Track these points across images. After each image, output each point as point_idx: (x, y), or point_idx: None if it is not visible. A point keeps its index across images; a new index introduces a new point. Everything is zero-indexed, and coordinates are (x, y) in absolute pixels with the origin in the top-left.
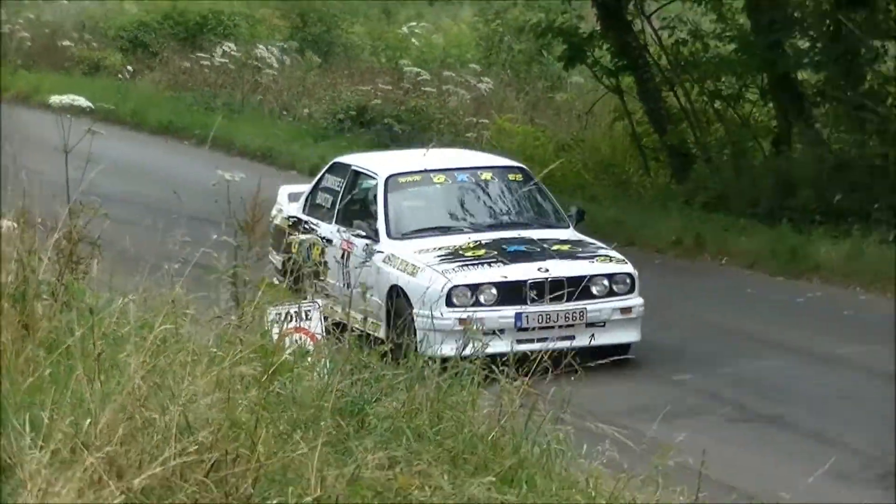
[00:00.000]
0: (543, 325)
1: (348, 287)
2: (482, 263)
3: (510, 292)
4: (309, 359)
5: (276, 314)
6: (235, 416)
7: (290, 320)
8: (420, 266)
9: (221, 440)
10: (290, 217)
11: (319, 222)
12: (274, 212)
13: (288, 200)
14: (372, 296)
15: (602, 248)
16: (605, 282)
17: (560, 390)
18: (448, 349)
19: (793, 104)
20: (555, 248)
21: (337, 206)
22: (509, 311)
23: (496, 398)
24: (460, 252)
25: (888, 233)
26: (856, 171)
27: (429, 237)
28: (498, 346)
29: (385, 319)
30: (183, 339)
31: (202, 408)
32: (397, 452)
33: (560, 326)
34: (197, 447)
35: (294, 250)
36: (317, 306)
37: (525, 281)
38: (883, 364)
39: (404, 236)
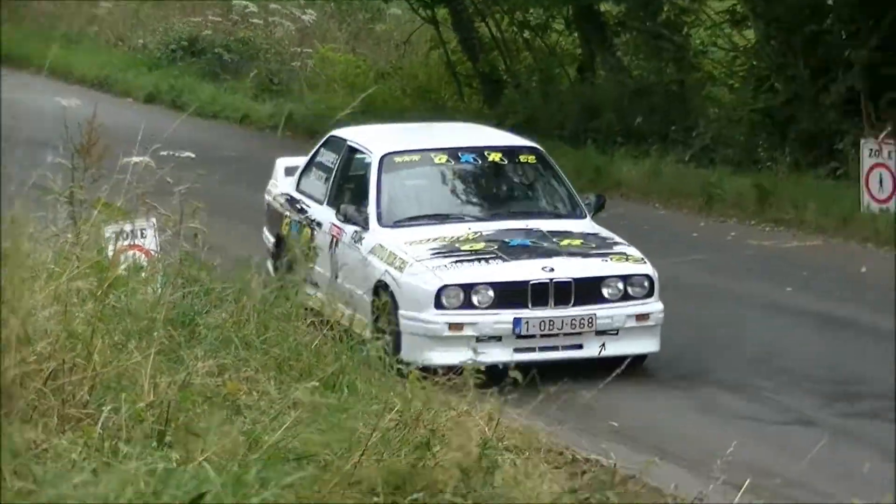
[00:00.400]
0: (546, 332)
1: (336, 278)
2: (479, 259)
3: (509, 294)
4: (143, 274)
5: (112, 232)
6: (72, 328)
7: (126, 238)
8: (408, 260)
9: (59, 350)
10: (283, 194)
11: (311, 202)
12: (269, 186)
13: (284, 174)
14: (358, 290)
15: (619, 243)
16: (620, 284)
17: None
18: (436, 356)
19: (596, 34)
20: (564, 242)
21: (330, 186)
22: (507, 316)
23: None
24: (457, 245)
25: (684, 153)
26: (654, 97)
27: (424, 226)
28: (494, 355)
29: (371, 318)
30: (22, 256)
31: (41, 320)
32: (226, 360)
33: (566, 334)
34: (35, 357)
35: (284, 232)
36: (151, 224)
37: (527, 281)
38: (672, 273)
39: (396, 224)
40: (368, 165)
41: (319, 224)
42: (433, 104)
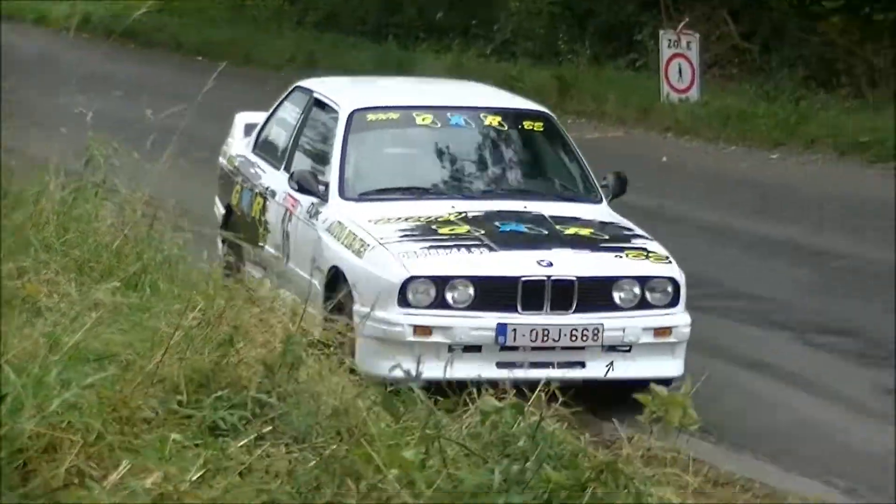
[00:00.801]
0: (539, 344)
1: (287, 261)
2: (458, 247)
3: (494, 293)
4: None
5: None
6: None
7: None
8: (370, 242)
9: None
10: (238, 156)
11: (267, 167)
12: (224, 146)
13: (243, 132)
14: (310, 277)
15: (640, 236)
16: (636, 288)
17: None
18: (393, 366)
19: None
20: (570, 231)
21: (289, 147)
22: (490, 321)
23: (119, 209)
24: (433, 227)
25: (485, 47)
26: None
27: (396, 201)
28: (470, 369)
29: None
30: None
31: None
32: (25, 263)
33: (564, 348)
34: None
35: (234, 202)
36: None
37: (517, 278)
38: None
39: (362, 197)
40: (335, 123)
41: (273, 193)
42: (232, 2)
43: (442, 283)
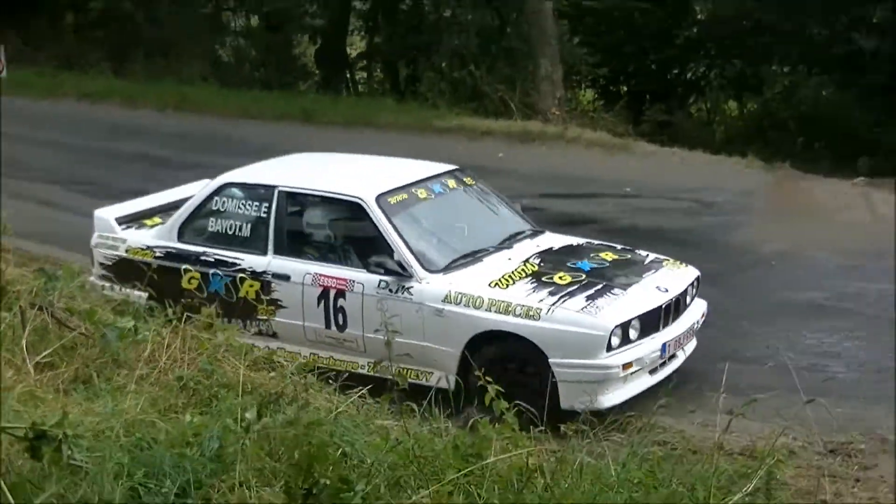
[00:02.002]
0: (675, 349)
1: (340, 328)
2: (601, 293)
3: (649, 322)
4: None
5: None
6: None
7: None
8: (539, 306)
9: None
10: (151, 247)
11: (232, 253)
12: (98, 239)
13: (119, 226)
14: (435, 344)
15: (633, 249)
16: (694, 289)
17: None
18: (608, 399)
19: None
20: (606, 257)
21: (270, 235)
22: (657, 343)
23: None
24: (544, 280)
25: None
26: None
27: (472, 265)
28: (642, 383)
29: (457, 367)
30: None
31: None
32: None
33: (680, 346)
34: None
35: (188, 285)
36: None
37: (660, 306)
38: None
39: (448, 269)
40: (353, 210)
41: (282, 276)
42: None
43: (625, 325)
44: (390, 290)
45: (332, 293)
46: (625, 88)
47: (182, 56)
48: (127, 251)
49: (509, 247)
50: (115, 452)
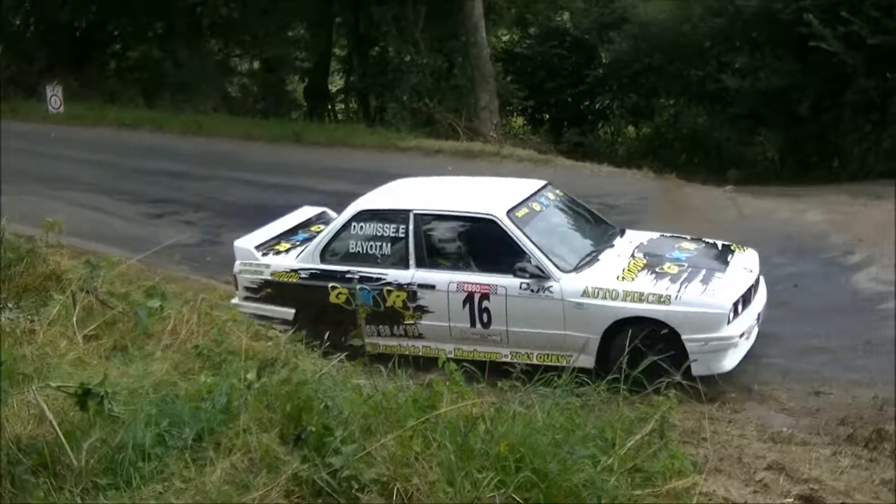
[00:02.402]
0: (762, 318)
1: (485, 325)
2: (709, 277)
3: (745, 297)
4: None
5: None
6: None
7: None
8: (668, 293)
9: None
10: (296, 270)
11: (376, 270)
12: (241, 266)
13: (259, 252)
14: (575, 332)
15: (697, 239)
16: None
17: None
18: (728, 363)
19: None
20: (689, 246)
21: (411, 252)
22: (753, 313)
23: None
24: (657, 271)
25: None
26: None
27: (595, 263)
28: (744, 348)
29: (596, 350)
30: None
31: None
32: None
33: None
34: None
35: (336, 300)
36: None
37: (752, 284)
38: None
39: (577, 269)
40: (486, 225)
41: (427, 286)
42: None
43: (736, 302)
44: (532, 291)
45: (477, 297)
46: (547, 116)
47: (199, 92)
48: (272, 275)
49: (611, 245)
50: (145, 406)
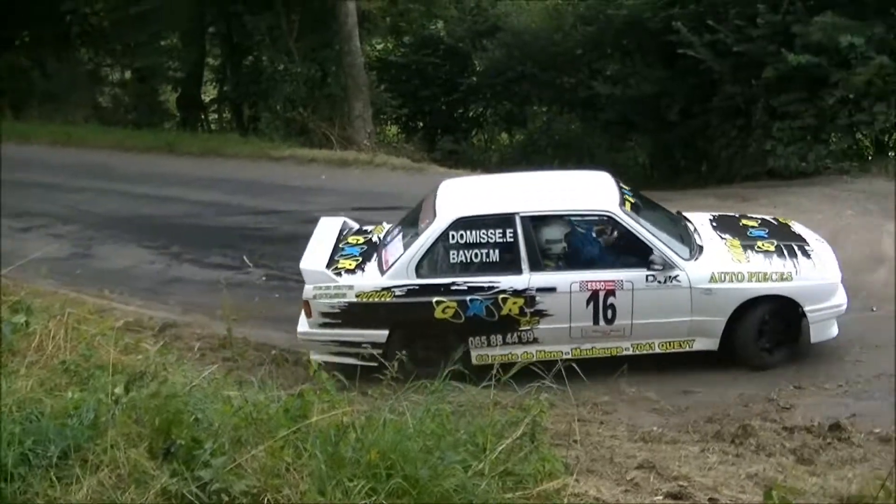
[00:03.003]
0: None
1: (609, 322)
2: (805, 251)
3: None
4: None
5: None
6: None
7: None
8: (786, 270)
9: None
10: (389, 288)
11: (486, 278)
12: (316, 291)
13: (333, 273)
14: (707, 317)
15: (741, 215)
16: None
17: None
18: (835, 329)
19: None
20: (750, 223)
21: (522, 256)
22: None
23: None
24: (755, 250)
25: None
26: None
27: (702, 251)
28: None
29: (722, 331)
30: None
31: None
32: None
33: None
34: None
35: (443, 314)
36: None
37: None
38: None
39: (691, 255)
40: (604, 221)
41: (548, 289)
42: None
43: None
44: (659, 282)
45: (602, 294)
46: (421, 124)
47: (69, 102)
48: (358, 296)
49: (696, 230)
50: (7, 425)
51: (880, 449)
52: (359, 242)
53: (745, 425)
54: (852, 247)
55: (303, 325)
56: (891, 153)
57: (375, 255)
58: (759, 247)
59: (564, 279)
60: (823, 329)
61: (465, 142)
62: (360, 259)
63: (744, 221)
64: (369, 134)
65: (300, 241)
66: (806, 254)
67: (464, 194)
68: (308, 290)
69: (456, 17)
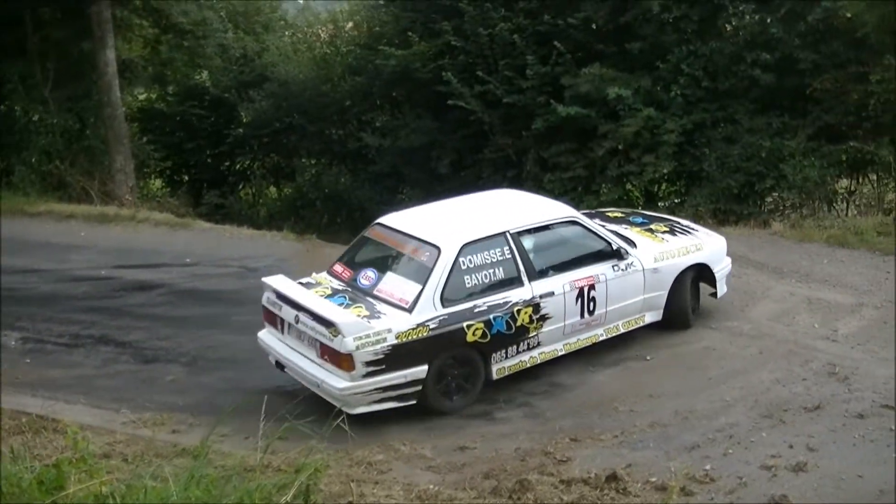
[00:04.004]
0: None
1: (591, 313)
2: (682, 227)
3: None
4: None
5: None
6: None
7: None
8: (695, 242)
9: None
10: (423, 324)
11: (498, 294)
12: (358, 341)
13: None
14: (657, 292)
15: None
16: None
17: None
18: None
19: None
20: (624, 213)
21: (520, 268)
22: None
23: None
24: (660, 234)
25: None
26: None
27: (635, 241)
28: None
29: (666, 302)
30: None
31: None
32: None
33: None
34: None
35: (474, 336)
36: None
37: None
38: None
39: (634, 245)
40: (572, 225)
41: (550, 294)
42: None
43: None
44: (622, 270)
45: (586, 289)
46: (186, 178)
47: None
48: (398, 337)
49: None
50: None
51: (657, 497)
52: (328, 294)
53: (522, 480)
54: None
55: (339, 381)
56: (661, 203)
57: (367, 299)
58: (656, 229)
59: (558, 282)
60: (723, 285)
61: (233, 196)
62: (366, 303)
63: (615, 214)
64: (131, 188)
65: (60, 301)
66: (689, 228)
67: (441, 222)
68: (349, 343)
69: (221, 66)
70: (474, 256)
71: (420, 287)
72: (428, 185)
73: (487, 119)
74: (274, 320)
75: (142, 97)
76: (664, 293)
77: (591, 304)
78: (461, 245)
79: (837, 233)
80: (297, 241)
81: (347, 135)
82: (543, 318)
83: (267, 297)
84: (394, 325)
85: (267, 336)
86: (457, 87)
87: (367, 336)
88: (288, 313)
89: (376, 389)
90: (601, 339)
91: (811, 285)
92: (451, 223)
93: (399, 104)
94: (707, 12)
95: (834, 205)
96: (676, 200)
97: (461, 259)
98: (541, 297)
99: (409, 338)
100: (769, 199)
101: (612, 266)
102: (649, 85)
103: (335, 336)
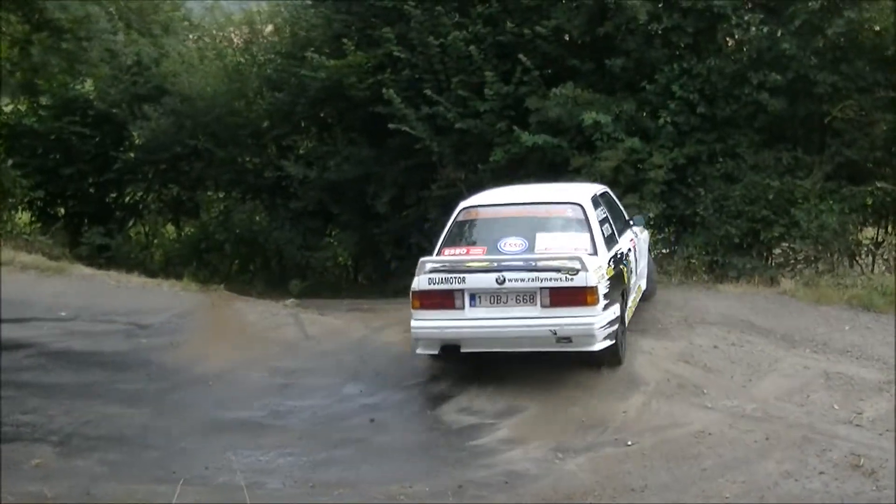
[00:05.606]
0: None
1: (637, 264)
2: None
3: None
4: None
5: None
6: None
7: None
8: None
9: None
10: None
11: (619, 242)
12: (596, 275)
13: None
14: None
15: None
16: None
17: None
18: None
19: None
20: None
21: (613, 225)
22: None
23: None
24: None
25: None
26: None
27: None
28: None
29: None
30: None
31: None
32: None
33: None
34: None
35: (626, 280)
36: None
37: None
38: None
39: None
40: (609, 198)
41: (628, 252)
42: None
43: None
44: (636, 235)
45: (633, 247)
46: (62, 211)
47: None
48: (607, 273)
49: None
50: None
51: None
52: (483, 265)
53: None
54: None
55: (584, 317)
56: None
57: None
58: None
59: (626, 238)
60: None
61: (121, 234)
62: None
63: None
64: None
65: None
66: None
67: (545, 190)
68: (591, 277)
69: (108, 75)
70: (598, 210)
71: (587, 234)
72: (361, 225)
73: (436, 148)
74: (444, 301)
75: (7, 109)
76: (649, 260)
77: (638, 256)
78: (591, 197)
79: (861, 293)
80: (201, 291)
81: (264, 163)
82: (630, 269)
83: (429, 280)
84: (602, 263)
85: (429, 322)
86: (400, 108)
87: (599, 268)
88: (479, 280)
89: (609, 322)
90: (642, 289)
91: (829, 357)
92: (554, 190)
93: (329, 127)
94: (704, 23)
95: (857, 259)
96: (664, 251)
97: (596, 210)
98: (627, 249)
99: (609, 275)
100: (778, 251)
101: (633, 232)
102: (633, 110)
103: (575, 274)
